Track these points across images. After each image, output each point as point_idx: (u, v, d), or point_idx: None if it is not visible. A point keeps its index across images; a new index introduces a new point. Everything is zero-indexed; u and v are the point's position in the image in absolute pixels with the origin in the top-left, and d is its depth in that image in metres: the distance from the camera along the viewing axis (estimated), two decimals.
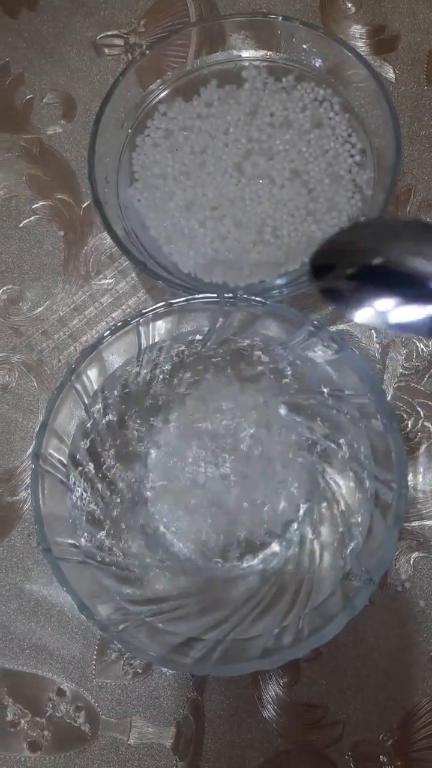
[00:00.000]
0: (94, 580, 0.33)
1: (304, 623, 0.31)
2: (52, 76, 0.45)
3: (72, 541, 0.33)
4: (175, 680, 0.37)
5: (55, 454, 0.33)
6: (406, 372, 0.39)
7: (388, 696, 0.36)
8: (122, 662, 0.37)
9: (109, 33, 0.45)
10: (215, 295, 0.33)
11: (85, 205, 0.43)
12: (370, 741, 0.35)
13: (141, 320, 0.33)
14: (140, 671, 0.37)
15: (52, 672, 0.37)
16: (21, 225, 0.43)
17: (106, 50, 0.45)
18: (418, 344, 0.39)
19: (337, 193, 0.37)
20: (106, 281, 0.42)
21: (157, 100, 0.40)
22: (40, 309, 0.42)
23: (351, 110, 0.38)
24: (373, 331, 0.40)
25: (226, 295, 0.32)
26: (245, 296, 0.33)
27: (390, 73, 0.43)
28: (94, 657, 0.37)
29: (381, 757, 0.35)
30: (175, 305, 0.33)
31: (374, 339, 0.40)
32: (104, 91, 0.38)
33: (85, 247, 0.42)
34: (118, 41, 0.45)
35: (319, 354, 0.34)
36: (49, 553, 0.31)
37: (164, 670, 0.37)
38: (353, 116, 0.38)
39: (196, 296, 0.33)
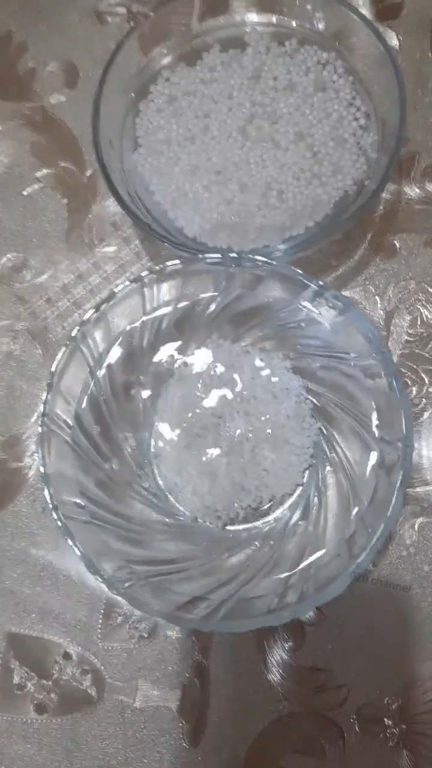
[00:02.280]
0: (99, 540, 0.33)
1: (308, 583, 0.32)
2: (55, 45, 0.45)
3: (78, 501, 0.33)
4: (181, 644, 0.37)
5: (62, 414, 0.34)
6: (411, 339, 0.39)
7: (392, 660, 0.36)
8: (128, 626, 0.37)
9: (111, 1, 0.45)
10: (220, 255, 0.33)
11: (88, 173, 0.43)
12: (374, 704, 0.35)
13: (146, 280, 0.33)
14: (146, 635, 0.37)
15: (58, 635, 0.38)
16: (25, 193, 0.43)
17: (109, 18, 0.45)
18: (422, 311, 0.39)
19: (342, 157, 0.37)
20: (110, 249, 0.42)
21: (160, 65, 0.39)
22: (44, 277, 0.42)
23: (355, 74, 0.38)
24: (377, 297, 0.40)
25: (231, 254, 0.32)
26: (250, 255, 0.32)
27: (393, 40, 0.43)
28: (100, 621, 0.37)
29: (386, 720, 0.35)
30: (179, 265, 0.33)
31: (378, 306, 0.39)
32: (107, 59, 0.38)
33: (89, 215, 0.42)
34: (120, 9, 0.45)
35: (324, 316, 0.34)
36: (56, 510, 0.31)
37: (169, 634, 0.37)
38: (357, 80, 0.37)
39: (201, 255, 0.33)
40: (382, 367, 0.31)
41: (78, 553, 0.31)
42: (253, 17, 0.39)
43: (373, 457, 0.33)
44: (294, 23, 0.38)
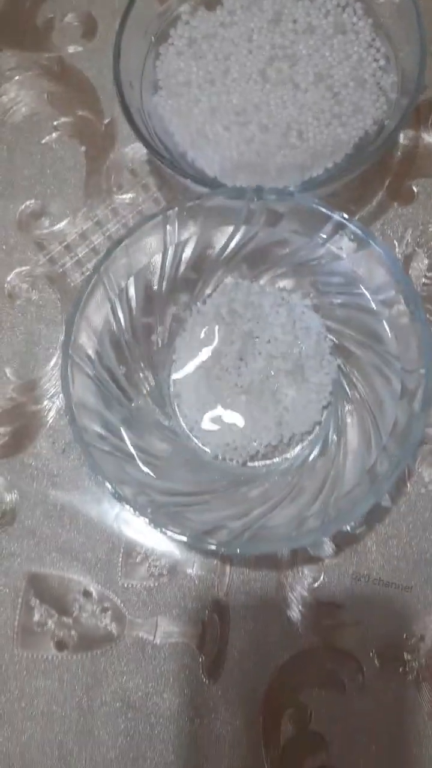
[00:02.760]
0: (122, 470, 0.33)
1: (329, 510, 0.32)
2: None
3: (100, 431, 0.33)
4: (200, 582, 0.37)
5: (84, 347, 0.34)
6: (429, 282, 0.39)
7: (412, 595, 0.36)
8: (148, 564, 0.37)
9: None
10: (243, 187, 0.33)
11: (106, 121, 0.43)
12: (394, 639, 0.36)
13: (169, 213, 0.33)
14: (165, 573, 0.37)
15: (78, 574, 0.38)
16: (43, 141, 0.43)
17: None
18: None
19: (362, 97, 0.37)
20: (128, 196, 0.42)
21: (179, 10, 0.40)
22: (63, 223, 0.42)
23: (374, 16, 0.38)
24: (395, 242, 0.40)
25: (252, 186, 0.33)
26: (272, 188, 0.33)
27: None
28: (120, 559, 0.38)
29: (405, 654, 0.35)
30: (201, 200, 0.34)
31: (396, 250, 0.40)
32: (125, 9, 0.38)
33: (107, 163, 0.42)
34: None
35: (344, 250, 0.34)
36: (79, 436, 0.31)
37: (189, 571, 0.37)
38: (377, 22, 0.38)
39: (223, 188, 0.33)
40: (403, 296, 0.32)
41: (102, 478, 0.31)
42: None
43: (395, 388, 0.33)
44: None
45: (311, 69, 0.37)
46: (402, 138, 0.41)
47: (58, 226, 0.42)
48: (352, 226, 0.32)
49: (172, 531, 0.30)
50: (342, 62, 0.37)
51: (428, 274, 0.39)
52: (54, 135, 0.43)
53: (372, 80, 0.37)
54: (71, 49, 0.44)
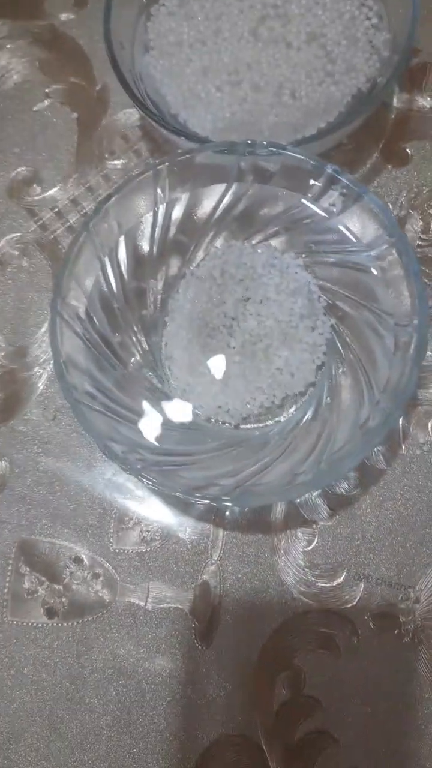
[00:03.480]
0: (112, 428, 0.32)
1: (322, 465, 0.31)
2: None
3: (90, 390, 0.33)
4: (193, 546, 0.36)
5: (74, 305, 0.33)
6: (423, 243, 0.39)
7: (407, 556, 0.36)
8: (140, 529, 0.37)
9: None
10: (234, 141, 0.32)
11: (98, 87, 0.43)
12: (389, 601, 0.35)
13: (160, 168, 0.33)
14: (158, 538, 0.37)
15: (69, 541, 0.37)
16: (34, 109, 0.43)
17: None
18: None
19: (354, 55, 0.36)
20: (120, 162, 0.42)
21: None
22: (54, 190, 0.42)
23: None
24: (389, 204, 0.39)
25: (244, 141, 0.32)
26: (263, 142, 0.32)
27: None
28: (112, 525, 0.37)
29: (400, 616, 0.35)
30: (192, 154, 0.33)
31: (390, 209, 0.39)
32: None
33: (99, 129, 0.42)
34: None
35: (337, 206, 0.34)
36: (68, 392, 0.31)
37: (181, 536, 0.37)
38: None
39: (214, 142, 0.33)
40: (396, 248, 0.31)
41: (91, 436, 0.30)
42: None
43: (388, 345, 0.32)
44: None
45: (303, 28, 0.37)
46: (396, 101, 0.40)
47: (49, 193, 0.42)
48: (343, 179, 0.32)
49: (164, 486, 0.29)
50: (334, 21, 0.37)
51: (423, 236, 0.39)
52: (46, 102, 0.43)
53: (364, 38, 0.37)
54: (63, 17, 0.44)
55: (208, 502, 0.29)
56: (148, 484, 0.30)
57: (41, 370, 0.39)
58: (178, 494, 0.30)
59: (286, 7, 0.37)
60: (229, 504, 0.29)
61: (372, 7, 0.37)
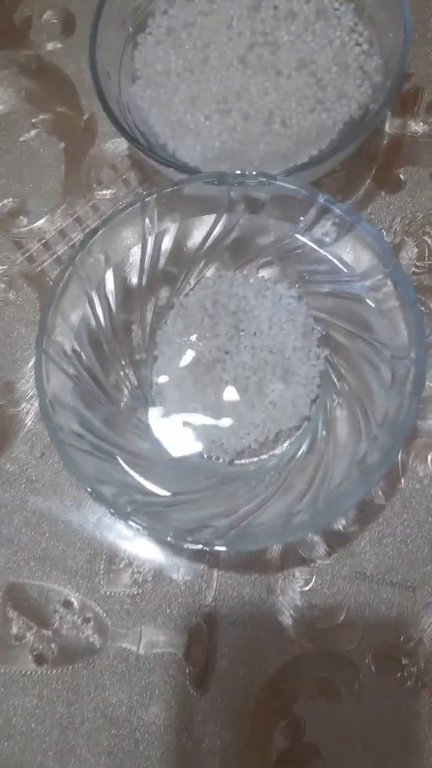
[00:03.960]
0: (101, 470, 0.31)
1: (320, 503, 0.30)
2: None
3: (78, 429, 0.32)
4: (186, 587, 0.35)
5: (60, 342, 0.32)
6: (419, 271, 0.38)
7: (408, 596, 0.34)
8: (131, 571, 0.36)
9: None
10: (224, 172, 0.32)
11: (86, 116, 0.42)
12: (390, 643, 0.34)
13: (148, 200, 0.32)
14: (150, 579, 0.35)
15: (58, 583, 0.36)
16: (21, 139, 0.42)
17: None
18: (429, 242, 0.38)
19: (345, 82, 0.36)
20: (109, 192, 0.41)
21: (157, 1, 0.39)
22: (41, 221, 0.41)
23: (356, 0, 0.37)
24: (383, 231, 0.39)
25: (234, 172, 0.31)
26: (254, 173, 0.32)
27: None
28: (102, 567, 0.36)
29: (403, 659, 0.34)
30: (180, 186, 0.32)
31: (384, 238, 0.38)
32: None
33: (87, 159, 0.41)
34: None
35: (330, 236, 0.33)
36: (55, 434, 0.30)
37: (174, 577, 0.35)
38: (358, 6, 0.37)
39: (203, 173, 0.32)
40: (392, 279, 0.30)
41: (78, 480, 0.29)
42: None
43: (384, 377, 0.31)
44: None
45: (293, 55, 0.36)
46: (388, 126, 0.40)
47: (36, 224, 0.41)
48: (336, 209, 0.31)
49: (154, 531, 0.28)
50: (324, 47, 0.36)
51: (418, 263, 0.38)
52: (32, 132, 0.42)
53: (355, 65, 0.36)
54: (50, 46, 0.44)
55: (199, 546, 0.28)
56: (139, 529, 0.28)
57: (29, 406, 0.38)
58: (169, 539, 0.28)
59: (275, 34, 0.36)
60: (223, 548, 0.27)
61: (362, 32, 0.37)
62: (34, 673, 0.35)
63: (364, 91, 0.36)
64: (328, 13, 0.37)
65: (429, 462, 0.35)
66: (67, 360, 0.33)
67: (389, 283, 0.31)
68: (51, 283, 0.40)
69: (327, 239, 0.33)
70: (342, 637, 0.34)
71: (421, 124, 0.40)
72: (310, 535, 0.35)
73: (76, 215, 0.41)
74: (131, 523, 0.28)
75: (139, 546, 0.36)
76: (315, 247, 0.34)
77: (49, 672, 0.35)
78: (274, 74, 0.36)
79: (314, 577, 0.35)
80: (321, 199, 0.31)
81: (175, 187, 0.32)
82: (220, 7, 0.37)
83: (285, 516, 0.30)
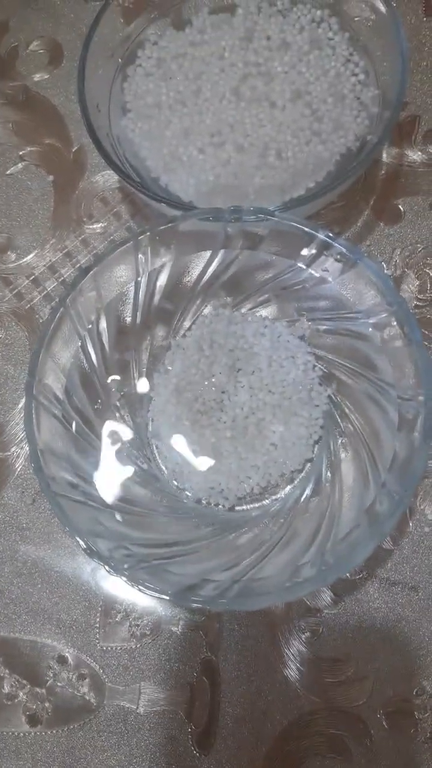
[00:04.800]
0: (95, 521, 0.30)
1: (326, 556, 0.29)
2: (39, 24, 0.43)
3: (70, 479, 0.30)
4: (187, 640, 0.33)
5: (51, 386, 0.31)
6: (421, 304, 0.37)
7: (420, 645, 0.33)
8: (128, 623, 0.34)
9: None
10: (219, 208, 0.30)
11: (75, 148, 0.41)
12: (403, 697, 0.32)
13: (141, 239, 0.31)
14: (148, 632, 0.34)
15: (51, 638, 0.34)
16: (8, 172, 0.41)
17: None
18: (431, 274, 0.37)
19: (342, 113, 0.35)
20: (99, 225, 0.40)
21: (147, 30, 0.38)
22: (30, 256, 0.39)
23: (350, 29, 0.36)
24: (383, 263, 0.37)
25: (230, 207, 0.30)
26: (251, 208, 0.30)
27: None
28: (98, 619, 0.34)
29: (416, 713, 0.32)
30: (175, 223, 0.31)
31: (385, 271, 0.37)
32: None
33: (76, 192, 0.40)
34: None
35: (330, 272, 0.32)
36: (46, 486, 0.28)
37: (173, 629, 0.34)
38: (353, 36, 0.36)
39: (198, 210, 0.31)
40: (396, 318, 0.29)
41: (72, 534, 0.28)
42: None
43: (392, 419, 0.30)
44: None
45: (287, 86, 0.35)
46: (385, 156, 0.39)
47: (25, 260, 0.39)
48: (337, 245, 0.30)
49: (152, 589, 0.26)
50: (319, 78, 0.35)
51: (420, 296, 0.37)
52: (20, 165, 0.41)
53: (351, 95, 0.35)
54: (37, 77, 0.43)
55: (200, 606, 0.26)
56: (137, 587, 0.27)
57: (18, 450, 0.37)
58: (167, 598, 0.27)
59: (269, 65, 0.36)
60: (226, 608, 0.26)
61: (358, 62, 0.36)
62: (27, 734, 0.33)
63: (360, 122, 0.35)
64: (322, 43, 0.36)
65: None
66: (58, 404, 0.32)
67: (394, 321, 0.29)
68: (40, 320, 0.38)
69: (328, 275, 0.32)
70: (351, 691, 0.32)
71: (419, 153, 0.39)
72: None
73: (66, 250, 0.39)
74: (129, 582, 0.27)
75: (136, 597, 0.34)
76: (315, 283, 0.32)
77: (43, 733, 0.33)
78: (268, 106, 0.35)
79: (321, 628, 0.33)
80: (321, 234, 0.30)
81: (170, 224, 0.31)
82: (211, 37, 0.36)
83: (291, 568, 0.29)
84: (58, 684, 0.34)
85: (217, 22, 0.37)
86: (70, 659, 0.34)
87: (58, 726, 0.33)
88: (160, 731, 0.33)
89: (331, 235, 0.30)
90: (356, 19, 0.36)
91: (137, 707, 0.33)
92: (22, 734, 0.33)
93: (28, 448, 0.35)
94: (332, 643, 0.33)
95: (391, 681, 0.32)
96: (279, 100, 0.35)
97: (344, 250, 0.30)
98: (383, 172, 0.39)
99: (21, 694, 0.34)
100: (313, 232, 0.30)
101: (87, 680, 0.33)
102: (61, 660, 0.34)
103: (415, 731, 0.32)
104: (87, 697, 0.33)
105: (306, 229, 0.30)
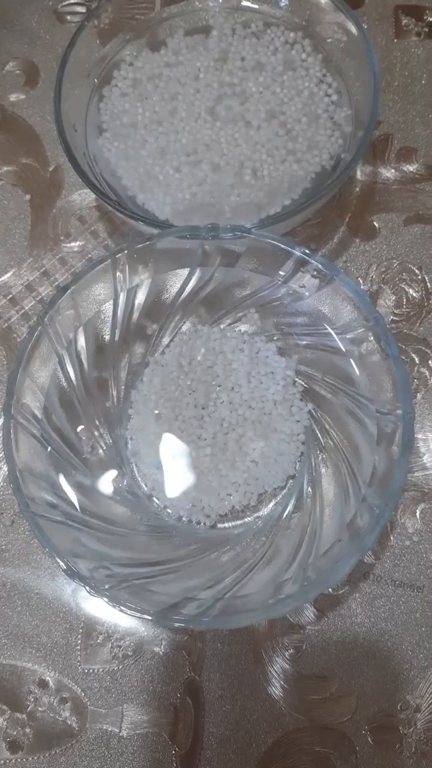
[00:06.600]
0: (75, 541, 0.30)
1: (308, 572, 0.29)
2: (14, 45, 0.44)
3: (50, 498, 0.30)
4: (169, 661, 0.33)
5: (30, 406, 0.31)
6: (397, 319, 0.37)
7: (404, 659, 0.33)
8: (110, 645, 0.34)
9: (71, 1, 0.44)
10: (196, 225, 0.31)
11: (51, 168, 0.41)
12: (387, 712, 0.32)
13: (119, 257, 0.31)
14: (131, 653, 0.33)
15: (32, 662, 0.34)
16: None
17: (68, 17, 0.44)
18: (407, 290, 0.37)
19: (316, 132, 0.35)
20: (77, 244, 0.40)
21: (122, 52, 0.38)
22: (7, 275, 0.39)
23: (323, 51, 0.37)
24: (359, 279, 0.38)
25: (207, 224, 0.30)
26: (228, 225, 0.31)
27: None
28: (79, 641, 0.34)
29: (401, 728, 0.32)
30: (152, 241, 0.31)
31: (362, 286, 0.38)
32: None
33: (53, 210, 0.40)
34: (80, 8, 0.44)
35: (308, 288, 0.32)
36: (25, 506, 0.28)
37: (156, 650, 0.33)
38: (326, 57, 0.37)
39: (176, 228, 0.31)
40: (373, 333, 0.29)
41: (52, 555, 0.27)
42: (215, 1, 0.38)
43: (371, 433, 0.30)
44: (258, 6, 0.38)
45: (262, 106, 0.35)
46: (360, 174, 0.39)
47: (2, 279, 0.39)
48: (314, 261, 0.30)
49: (134, 609, 0.26)
50: (293, 98, 0.36)
51: (396, 311, 0.37)
52: None
53: (325, 115, 0.36)
54: (13, 97, 0.43)
55: (183, 625, 0.26)
56: (119, 607, 0.27)
57: None
58: (149, 618, 0.26)
59: (244, 85, 0.36)
60: (208, 626, 0.26)
61: (331, 83, 0.36)
62: (8, 761, 0.32)
63: (335, 141, 0.35)
64: (295, 64, 0.37)
65: (418, 516, 0.34)
66: (36, 423, 0.31)
67: (371, 336, 0.30)
68: (18, 339, 0.38)
69: (305, 291, 0.32)
70: (336, 708, 0.32)
71: (392, 170, 0.39)
72: None
73: (44, 269, 0.39)
74: (110, 603, 0.27)
75: (118, 617, 0.34)
76: (293, 299, 0.33)
77: (24, 759, 0.32)
78: (243, 125, 0.35)
79: (304, 644, 0.33)
80: (298, 251, 0.30)
81: (147, 242, 0.31)
82: (187, 58, 0.37)
83: (273, 585, 0.29)
84: (39, 708, 0.33)
85: (192, 43, 0.37)
86: (51, 683, 0.33)
87: (40, 752, 0.32)
88: (144, 754, 0.32)
89: (307, 251, 0.30)
90: (329, 40, 0.37)
91: (120, 730, 0.32)
92: (2, 762, 0.32)
93: (6, 469, 0.35)
94: (316, 659, 0.33)
95: (375, 696, 0.32)
96: (254, 120, 0.35)
97: (321, 266, 0.30)
98: (358, 189, 0.39)
99: (1, 720, 0.33)
100: (289, 248, 0.30)
101: (68, 704, 0.33)
102: (42, 684, 0.33)
103: (400, 746, 0.32)
104: (69, 722, 0.33)
105: (282, 246, 0.31)
